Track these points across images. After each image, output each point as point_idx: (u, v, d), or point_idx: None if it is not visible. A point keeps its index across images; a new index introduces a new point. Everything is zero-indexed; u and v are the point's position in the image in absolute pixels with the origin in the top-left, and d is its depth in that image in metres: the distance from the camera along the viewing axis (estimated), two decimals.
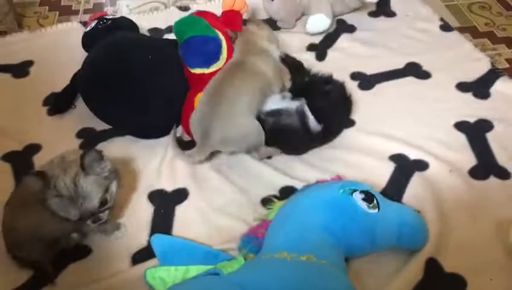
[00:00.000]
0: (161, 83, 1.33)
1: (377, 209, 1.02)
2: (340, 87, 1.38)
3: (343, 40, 1.74)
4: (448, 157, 1.31)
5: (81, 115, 1.44)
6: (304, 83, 1.37)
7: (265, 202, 1.20)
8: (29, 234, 1.05)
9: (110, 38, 1.41)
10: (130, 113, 1.32)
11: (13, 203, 1.08)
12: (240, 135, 1.23)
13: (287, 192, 1.23)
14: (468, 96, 1.51)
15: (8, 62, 1.67)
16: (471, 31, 1.79)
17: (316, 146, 1.34)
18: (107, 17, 1.59)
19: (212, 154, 1.31)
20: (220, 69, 1.34)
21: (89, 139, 1.38)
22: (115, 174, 1.04)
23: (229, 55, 1.36)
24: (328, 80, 1.37)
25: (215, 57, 1.36)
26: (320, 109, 1.28)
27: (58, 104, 1.48)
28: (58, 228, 1.06)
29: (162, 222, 1.19)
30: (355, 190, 1.04)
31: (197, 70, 1.36)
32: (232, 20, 1.45)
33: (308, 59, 1.62)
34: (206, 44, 1.35)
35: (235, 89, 1.23)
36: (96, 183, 0.99)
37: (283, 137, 1.29)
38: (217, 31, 1.37)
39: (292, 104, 1.28)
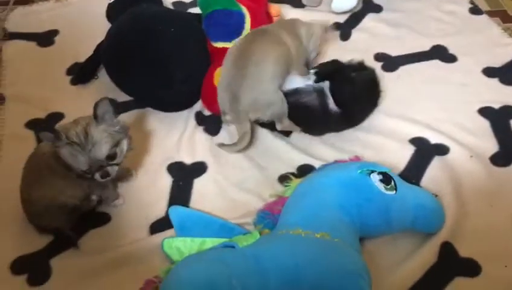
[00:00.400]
0: (183, 57, 1.33)
1: (394, 191, 1.02)
2: (370, 75, 1.35)
3: (369, 20, 1.72)
4: (469, 142, 1.29)
5: (103, 86, 1.46)
6: (329, 69, 1.34)
7: (283, 179, 1.21)
8: (47, 205, 1.08)
9: (135, 10, 1.41)
10: (151, 86, 1.33)
11: (28, 176, 1.09)
12: (265, 102, 1.22)
13: (305, 170, 1.24)
14: (494, 81, 1.48)
15: (34, 31, 1.69)
16: (501, 15, 1.74)
17: (335, 129, 1.33)
18: None
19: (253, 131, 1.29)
20: None
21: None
22: (126, 133, 1.06)
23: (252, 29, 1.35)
24: (356, 67, 1.34)
25: (238, 31, 1.36)
26: (342, 94, 1.26)
27: (81, 74, 1.50)
28: (73, 195, 1.09)
29: (180, 194, 1.21)
30: (373, 171, 1.03)
31: (219, 44, 1.36)
32: None
33: (332, 38, 1.61)
34: (230, 18, 1.35)
35: (262, 53, 1.21)
36: (106, 133, 1.01)
37: (301, 115, 1.28)
38: (240, 5, 1.36)
39: (313, 85, 1.28)
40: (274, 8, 1.56)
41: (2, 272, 1.06)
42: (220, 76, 1.26)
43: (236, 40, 1.32)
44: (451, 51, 1.58)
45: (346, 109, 1.27)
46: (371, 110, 1.36)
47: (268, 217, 1.06)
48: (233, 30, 1.36)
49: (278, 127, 1.28)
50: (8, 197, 1.12)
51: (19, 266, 1.07)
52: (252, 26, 1.36)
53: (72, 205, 1.10)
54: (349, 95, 1.28)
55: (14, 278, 1.05)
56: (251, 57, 1.21)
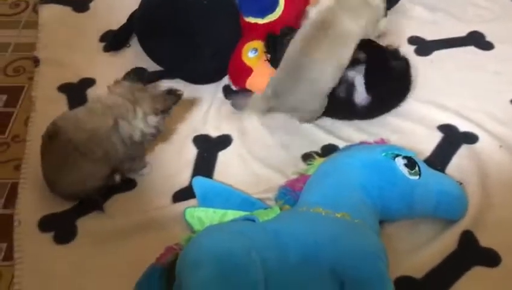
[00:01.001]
0: (214, 30, 1.33)
1: (417, 176, 1.01)
2: (405, 64, 1.30)
3: (405, 1, 1.67)
4: (499, 133, 1.27)
5: (135, 54, 1.47)
6: (368, 52, 1.25)
7: (306, 157, 1.21)
8: (74, 190, 1.12)
9: None
10: (181, 57, 1.34)
11: (52, 159, 1.10)
12: (307, 111, 1.22)
13: (329, 150, 1.23)
14: None
15: None
16: None
17: (361, 118, 1.30)
18: None
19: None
20: (275, 21, 1.32)
21: (139, 79, 1.40)
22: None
23: (287, 7, 1.34)
24: (396, 55, 1.30)
25: (272, 8, 1.35)
26: (377, 85, 1.23)
27: (114, 41, 1.51)
28: (102, 176, 1.11)
29: (204, 165, 1.23)
30: (398, 155, 1.03)
31: (251, 19, 1.36)
32: None
33: None
34: None
35: (317, 67, 1.15)
36: None
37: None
38: None
39: (345, 73, 1.21)
40: None
41: (30, 228, 1.10)
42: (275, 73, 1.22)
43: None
44: (488, 38, 1.53)
45: (376, 100, 1.24)
46: (401, 100, 1.32)
47: (290, 194, 1.06)
48: (266, 6, 1.35)
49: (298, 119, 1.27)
50: (38, 158, 1.15)
51: (46, 223, 1.11)
52: (287, 2, 1.35)
53: (98, 186, 1.12)
54: (385, 87, 1.25)
55: (41, 234, 1.09)
56: (306, 72, 1.15)
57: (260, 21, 1.34)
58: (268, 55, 1.30)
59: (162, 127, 1.15)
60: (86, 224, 1.11)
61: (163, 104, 1.12)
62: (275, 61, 1.27)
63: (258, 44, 1.33)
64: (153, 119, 1.12)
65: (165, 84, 1.40)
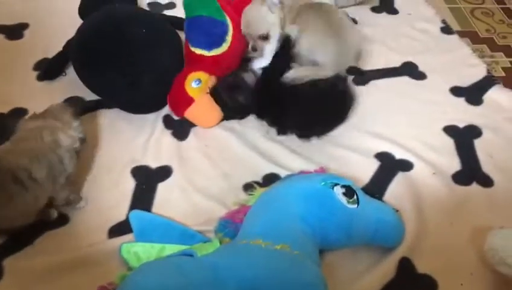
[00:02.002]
0: (154, 59, 1.31)
1: (356, 205, 1.02)
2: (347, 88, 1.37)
3: None
4: (433, 159, 1.31)
5: (71, 83, 1.42)
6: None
7: (247, 187, 1.20)
8: (6, 225, 1.06)
9: (107, 8, 1.38)
10: (120, 86, 1.31)
11: None
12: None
13: (270, 179, 1.23)
14: (461, 101, 1.50)
15: (4, 23, 1.65)
16: (471, 36, 1.78)
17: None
18: None
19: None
20: (221, 54, 1.34)
21: (76, 108, 1.35)
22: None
23: (233, 42, 1.36)
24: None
25: (219, 42, 1.35)
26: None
27: (49, 70, 1.47)
28: (40, 205, 1.06)
29: (143, 198, 1.19)
30: (336, 184, 1.04)
31: (198, 50, 1.35)
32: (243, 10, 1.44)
33: None
34: (214, 27, 1.34)
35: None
36: None
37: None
38: (226, 15, 1.36)
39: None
40: None
41: None
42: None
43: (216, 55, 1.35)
44: (421, 68, 1.60)
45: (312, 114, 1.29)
46: (337, 121, 1.36)
47: (230, 226, 1.05)
48: (214, 40, 1.35)
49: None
50: None
51: None
52: (234, 38, 1.36)
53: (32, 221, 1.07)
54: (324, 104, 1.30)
55: None
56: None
57: (206, 53, 1.34)
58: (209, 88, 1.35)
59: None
60: (13, 264, 1.05)
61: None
62: (224, 109, 1.35)
63: (202, 75, 1.34)
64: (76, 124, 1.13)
65: (103, 113, 1.37)
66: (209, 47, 1.34)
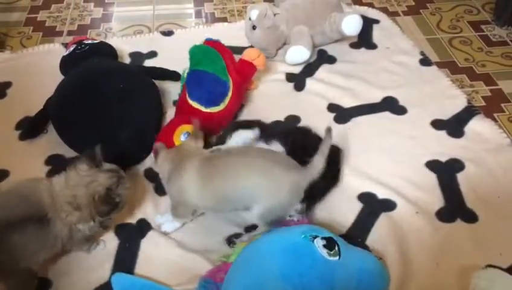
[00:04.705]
0: (131, 113, 1.33)
1: (337, 257, 1.01)
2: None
3: (323, 71, 1.75)
4: (416, 197, 1.31)
5: (51, 141, 1.43)
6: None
7: (230, 240, 1.20)
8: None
9: (84, 65, 1.41)
10: (97, 142, 1.31)
11: None
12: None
13: (253, 227, 1.22)
14: (442, 134, 1.51)
15: None
16: (450, 66, 1.80)
17: None
18: (85, 41, 1.60)
19: None
20: (216, 112, 1.37)
21: (57, 166, 1.36)
22: None
23: (230, 103, 1.39)
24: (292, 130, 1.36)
25: (218, 101, 1.38)
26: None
27: (30, 128, 1.47)
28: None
29: (126, 257, 1.18)
30: (316, 236, 1.03)
31: (195, 104, 1.37)
32: (246, 73, 1.49)
33: (286, 89, 1.66)
34: (216, 86, 1.37)
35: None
36: None
37: None
38: (229, 76, 1.38)
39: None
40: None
41: None
42: None
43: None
44: (401, 102, 1.61)
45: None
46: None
47: (210, 287, 1.04)
48: (213, 99, 1.38)
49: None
50: None
51: None
52: (233, 100, 1.38)
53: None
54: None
55: None
56: None
57: (203, 109, 1.36)
58: None
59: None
60: None
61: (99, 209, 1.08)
62: None
63: (192, 128, 1.34)
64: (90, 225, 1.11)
65: None
66: (208, 104, 1.37)
